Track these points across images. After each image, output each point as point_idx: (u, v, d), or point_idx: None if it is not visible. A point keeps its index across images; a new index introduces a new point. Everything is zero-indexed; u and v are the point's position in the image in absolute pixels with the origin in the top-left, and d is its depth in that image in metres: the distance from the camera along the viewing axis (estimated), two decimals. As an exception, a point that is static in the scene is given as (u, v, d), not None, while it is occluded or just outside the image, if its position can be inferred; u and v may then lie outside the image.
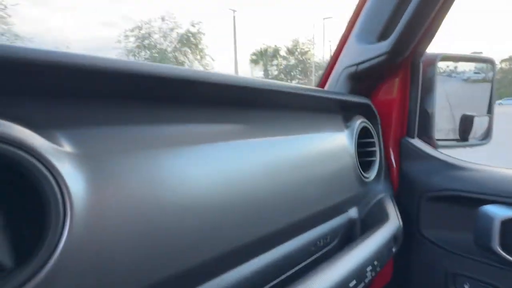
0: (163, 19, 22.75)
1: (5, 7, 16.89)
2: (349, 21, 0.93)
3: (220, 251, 0.45)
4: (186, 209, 0.40)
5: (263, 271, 0.54)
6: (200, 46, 23.76)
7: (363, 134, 0.81)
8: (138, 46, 21.96)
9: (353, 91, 0.89)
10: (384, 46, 0.79)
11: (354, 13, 0.92)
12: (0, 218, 0.28)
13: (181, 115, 0.44)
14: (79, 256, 0.30)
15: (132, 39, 21.87)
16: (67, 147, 0.32)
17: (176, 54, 23.28)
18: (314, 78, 28.11)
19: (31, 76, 0.31)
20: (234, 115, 0.52)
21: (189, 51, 23.62)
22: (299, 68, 28.02)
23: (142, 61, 0.38)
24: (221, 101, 0.50)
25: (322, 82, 1.00)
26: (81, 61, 0.32)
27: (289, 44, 28.30)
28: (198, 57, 23.86)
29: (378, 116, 0.88)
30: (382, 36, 0.82)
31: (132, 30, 21.94)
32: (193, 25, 23.08)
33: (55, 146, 0.31)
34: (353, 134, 0.76)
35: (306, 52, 27.87)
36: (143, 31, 22.15)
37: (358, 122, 0.79)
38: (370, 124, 0.85)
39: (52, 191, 0.28)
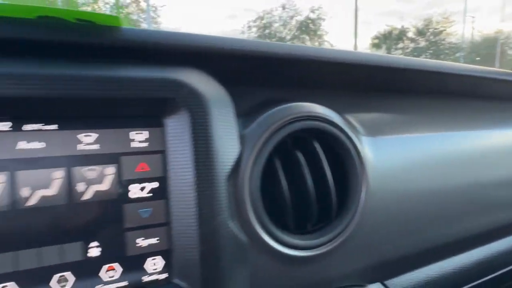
0: (283, 7, 23.31)
1: (156, 8, 20.08)
2: None
3: (448, 237, 0.47)
4: (432, 191, 0.43)
5: (477, 265, 0.53)
6: (318, 33, 23.51)
7: None
8: (259, 36, 23.16)
9: None
10: None
11: None
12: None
13: (416, 105, 0.47)
14: (371, 216, 0.38)
15: (254, 29, 23.20)
16: (359, 128, 0.39)
17: (295, 41, 23.61)
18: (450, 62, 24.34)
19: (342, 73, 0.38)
20: (454, 105, 0.52)
21: (308, 38, 23.63)
22: (430, 51, 24.72)
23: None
24: (445, 91, 0.51)
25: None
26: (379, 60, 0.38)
27: (420, 24, 25.17)
28: (317, 43, 23.65)
29: None
30: None
31: (254, 21, 23.24)
32: (312, 11, 22.94)
33: (351, 127, 0.37)
34: None
35: (440, 32, 24.31)
36: (264, 21, 23.22)
37: None
38: None
39: (354, 163, 0.35)
